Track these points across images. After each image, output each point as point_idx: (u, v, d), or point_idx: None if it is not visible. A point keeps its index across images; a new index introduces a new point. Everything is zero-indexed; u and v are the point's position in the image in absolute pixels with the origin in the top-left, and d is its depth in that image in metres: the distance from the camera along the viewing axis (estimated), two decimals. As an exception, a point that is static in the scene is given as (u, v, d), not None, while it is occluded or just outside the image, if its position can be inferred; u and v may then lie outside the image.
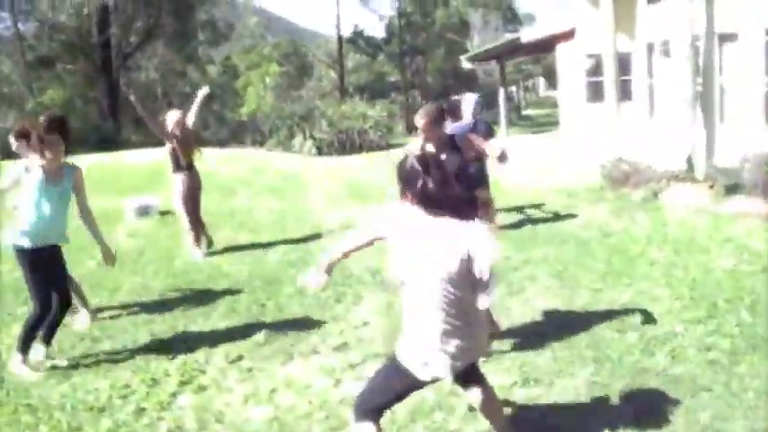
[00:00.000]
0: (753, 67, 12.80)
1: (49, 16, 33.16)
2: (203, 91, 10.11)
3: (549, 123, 28.72)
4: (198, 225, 9.58)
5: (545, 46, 21.60)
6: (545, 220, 10.59)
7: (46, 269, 5.54)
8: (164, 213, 12.38)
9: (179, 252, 9.56)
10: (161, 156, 9.86)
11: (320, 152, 25.28)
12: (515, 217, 10.93)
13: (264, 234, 10.63)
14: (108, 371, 5.55)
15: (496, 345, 5.40)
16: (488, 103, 32.09)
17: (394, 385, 3.48)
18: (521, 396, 4.66)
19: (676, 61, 13.71)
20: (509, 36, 25.97)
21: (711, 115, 13.05)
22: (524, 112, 43.40)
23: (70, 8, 31.64)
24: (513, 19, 65.62)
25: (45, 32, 36.32)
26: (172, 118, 9.42)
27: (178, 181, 9.42)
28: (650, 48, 15.90)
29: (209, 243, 9.73)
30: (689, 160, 12.67)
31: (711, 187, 11.38)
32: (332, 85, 46.39)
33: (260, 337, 6.05)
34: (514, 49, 22.75)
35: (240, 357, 5.67)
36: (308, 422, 4.54)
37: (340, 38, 44.90)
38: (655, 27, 15.27)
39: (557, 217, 10.80)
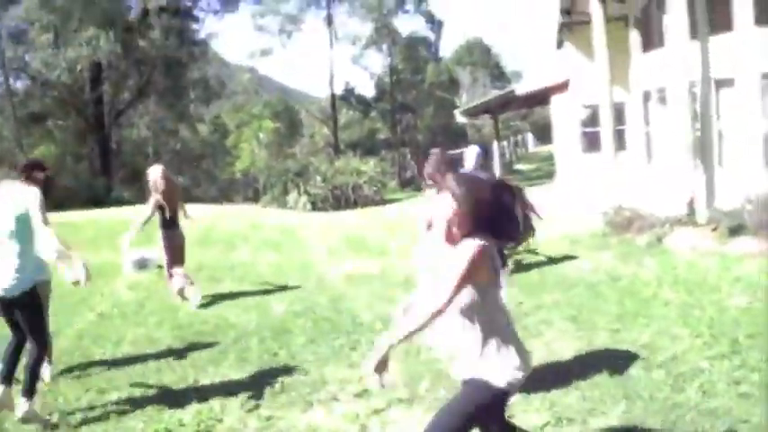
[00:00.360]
0: (750, 110, 12.90)
1: (42, 73, 33.20)
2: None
3: (540, 176, 28.86)
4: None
5: (539, 98, 21.81)
6: (551, 266, 10.50)
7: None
8: (161, 267, 12.20)
9: (182, 304, 9.38)
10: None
11: (315, 207, 25.28)
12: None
13: (267, 286, 10.48)
14: (118, 422, 5.35)
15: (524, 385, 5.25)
16: (481, 156, 32.28)
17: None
18: (555, 435, 4.52)
19: (673, 107, 13.82)
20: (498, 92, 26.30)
21: (710, 159, 13.09)
22: (515, 167, 43.63)
23: (63, 64, 31.70)
24: (500, 76, 66.72)
25: (37, 89, 36.45)
26: (155, 172, 9.39)
27: (162, 236, 9.53)
28: (646, 95, 16.06)
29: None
30: (690, 204, 12.66)
31: (715, 230, 11.36)
32: (324, 142, 46.68)
33: (276, 385, 5.88)
34: (508, 102, 22.96)
35: (257, 406, 5.49)
36: (338, 466, 4.37)
37: (333, 94, 45.23)
38: (650, 75, 15.44)
39: (563, 262, 10.72)
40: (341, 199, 26.28)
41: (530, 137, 62.46)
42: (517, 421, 4.74)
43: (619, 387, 5.25)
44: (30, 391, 5.24)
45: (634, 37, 16.44)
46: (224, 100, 49.50)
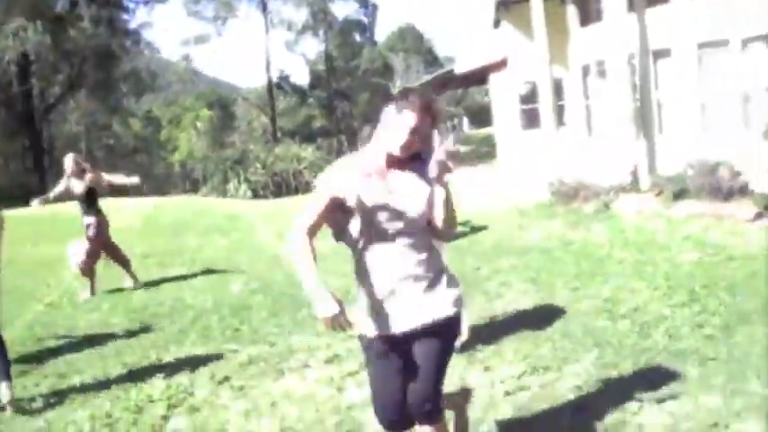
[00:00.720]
0: (687, 80, 13.19)
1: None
2: (134, 180, 10.05)
3: (479, 157, 29.06)
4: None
5: (478, 78, 21.94)
6: (503, 235, 10.60)
7: None
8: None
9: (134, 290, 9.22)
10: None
11: (256, 195, 25.06)
12: (473, 234, 10.92)
13: (219, 268, 10.35)
14: (84, 402, 5.20)
15: (494, 341, 5.33)
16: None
17: None
18: (535, 383, 4.56)
19: (613, 80, 14.05)
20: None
21: (650, 129, 13.37)
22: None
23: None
24: (433, 62, 66.99)
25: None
26: (68, 160, 9.21)
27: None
28: (585, 70, 16.26)
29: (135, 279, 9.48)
30: (633, 173, 12.92)
31: (659, 194, 11.61)
32: (262, 130, 46.19)
33: (243, 356, 5.81)
34: (446, 81, 23.05)
35: (227, 378, 5.40)
36: (321, 427, 4.33)
37: (270, 81, 44.80)
38: (589, 49, 15.64)
39: (514, 231, 10.84)
40: (282, 185, 26.13)
41: (465, 120, 62.99)
42: (494, 374, 4.79)
43: (588, 336, 5.34)
44: None
45: (572, 12, 16.62)
46: (156, 93, 48.66)
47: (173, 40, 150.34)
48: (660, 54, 13.56)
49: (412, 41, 69.69)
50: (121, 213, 14.93)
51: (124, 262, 9.55)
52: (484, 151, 29.07)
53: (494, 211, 13.17)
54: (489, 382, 4.64)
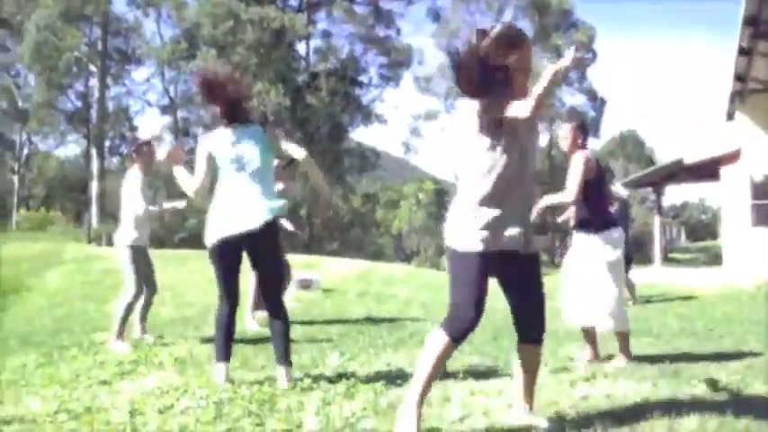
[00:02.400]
0: None
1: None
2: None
3: (702, 263, 27.62)
4: None
5: (708, 170, 20.92)
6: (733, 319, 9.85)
7: None
8: (326, 290, 12.38)
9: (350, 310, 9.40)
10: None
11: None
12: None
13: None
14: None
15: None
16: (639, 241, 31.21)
17: None
18: None
19: None
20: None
21: None
22: (669, 255, 42.14)
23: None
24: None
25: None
26: None
27: None
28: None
29: None
30: None
31: None
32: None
33: (457, 365, 5.70)
34: (674, 173, 22.15)
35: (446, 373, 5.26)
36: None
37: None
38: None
39: (743, 315, 10.05)
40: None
41: (682, 234, 60.58)
42: None
43: None
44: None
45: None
46: (374, 175, 50.51)
47: (402, 117, 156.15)
48: None
49: (633, 148, 68.45)
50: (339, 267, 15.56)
51: None
52: (702, 260, 27.79)
53: (720, 293, 12.33)
54: None
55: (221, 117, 4.97)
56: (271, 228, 4.79)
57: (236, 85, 5.00)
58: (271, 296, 4.95)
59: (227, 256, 4.85)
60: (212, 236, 4.82)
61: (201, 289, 12.13)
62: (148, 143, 7.27)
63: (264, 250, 4.87)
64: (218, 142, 4.93)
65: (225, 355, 4.92)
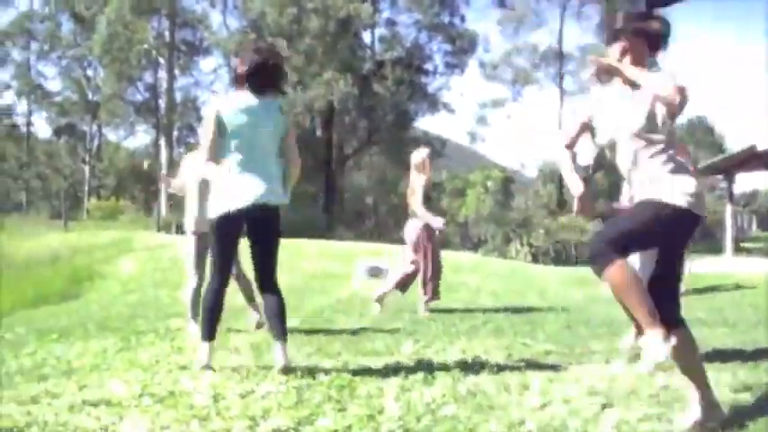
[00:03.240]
0: None
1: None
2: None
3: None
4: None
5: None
6: None
7: None
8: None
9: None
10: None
11: (535, 260, 24.83)
12: None
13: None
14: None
15: None
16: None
17: None
18: None
19: None
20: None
21: None
22: (741, 245, 41.04)
23: (302, 107, 33.42)
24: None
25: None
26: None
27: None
28: None
29: None
30: None
31: None
32: (548, 199, 45.85)
33: (539, 348, 5.64)
34: (746, 160, 21.51)
35: (522, 359, 5.22)
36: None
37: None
38: None
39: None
40: (562, 254, 25.70)
41: (753, 222, 58.99)
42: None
43: None
44: None
45: None
46: (441, 164, 50.28)
47: (468, 104, 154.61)
48: None
49: (702, 135, 66.80)
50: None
51: None
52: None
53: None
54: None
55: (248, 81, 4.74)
56: (279, 208, 4.80)
57: (276, 53, 4.96)
58: (269, 275, 4.88)
59: (232, 229, 4.75)
60: (220, 208, 4.67)
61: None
62: None
63: (272, 226, 4.81)
64: (234, 108, 4.72)
65: (210, 333, 4.80)
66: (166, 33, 41.12)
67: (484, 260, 18.34)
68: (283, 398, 4.06)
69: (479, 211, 33.76)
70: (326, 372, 4.72)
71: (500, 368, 4.85)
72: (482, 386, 4.33)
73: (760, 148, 20.19)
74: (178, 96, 43.58)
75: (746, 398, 4.00)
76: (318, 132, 36.91)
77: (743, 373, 4.57)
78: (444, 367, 4.85)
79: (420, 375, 4.58)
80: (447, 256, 17.52)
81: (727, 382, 4.30)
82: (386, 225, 41.29)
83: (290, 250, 8.17)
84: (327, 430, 3.45)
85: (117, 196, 47.66)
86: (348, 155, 38.95)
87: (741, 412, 3.67)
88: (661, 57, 3.70)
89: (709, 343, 5.50)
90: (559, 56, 45.01)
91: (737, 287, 12.14)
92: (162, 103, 42.81)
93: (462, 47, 40.05)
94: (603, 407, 3.89)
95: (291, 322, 7.00)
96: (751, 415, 3.60)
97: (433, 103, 39.17)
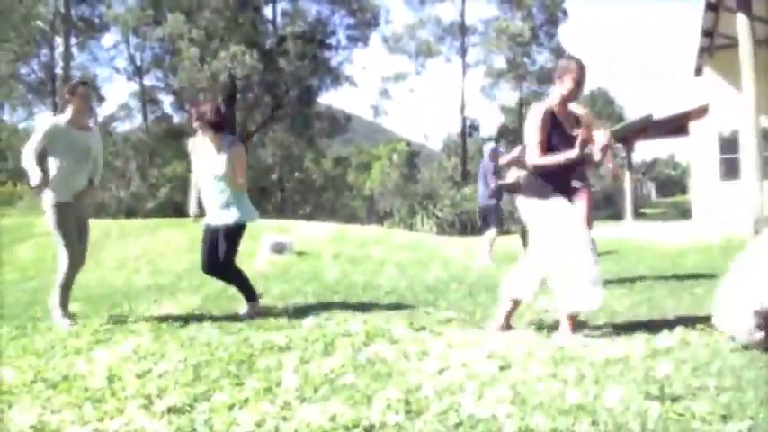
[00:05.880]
0: None
1: (185, 89, 34.37)
2: None
3: (669, 217, 27.89)
4: None
5: (676, 125, 21.10)
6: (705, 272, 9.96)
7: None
8: (300, 253, 12.36)
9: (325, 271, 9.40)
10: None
11: (441, 231, 25.07)
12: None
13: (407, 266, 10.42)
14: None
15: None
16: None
17: None
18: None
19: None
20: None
21: None
22: (640, 210, 42.54)
23: (205, 82, 32.66)
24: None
25: (180, 105, 38.07)
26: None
27: None
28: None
29: None
30: None
31: None
32: (452, 171, 46.36)
33: (441, 317, 5.74)
34: (644, 129, 22.27)
35: (424, 327, 5.29)
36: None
37: (464, 122, 45.13)
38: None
39: (716, 254, 10.20)
40: (467, 225, 25.99)
41: (652, 190, 61.06)
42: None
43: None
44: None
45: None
46: (346, 140, 50.24)
47: (371, 78, 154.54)
48: None
49: (603, 106, 68.59)
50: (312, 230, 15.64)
51: None
52: (672, 215, 28.16)
53: (691, 248, 12.46)
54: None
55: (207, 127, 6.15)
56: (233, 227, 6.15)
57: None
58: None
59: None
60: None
61: (174, 257, 12.07)
62: (85, 83, 6.59)
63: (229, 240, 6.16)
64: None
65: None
66: (62, 9, 39.47)
67: (389, 233, 18.42)
68: (181, 375, 4.02)
69: (385, 184, 33.87)
70: (226, 348, 4.69)
71: (401, 337, 4.91)
72: (382, 355, 4.38)
73: (657, 116, 20.92)
74: (76, 75, 42.04)
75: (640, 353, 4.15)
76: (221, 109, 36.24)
77: (639, 333, 4.76)
78: (345, 338, 4.88)
79: (320, 347, 4.60)
80: (353, 230, 17.67)
81: (622, 341, 4.47)
82: (292, 201, 41.09)
83: (194, 230, 8.05)
84: (224, 405, 3.44)
85: (14, 181, 45.89)
86: (252, 131, 38.35)
87: (634, 366, 3.82)
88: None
89: (609, 303, 5.71)
90: (462, 28, 45.36)
91: (636, 250, 12.56)
92: (60, 82, 41.18)
93: (365, 20, 39.87)
94: (501, 369, 3.98)
95: (194, 300, 7.01)
96: (645, 369, 3.75)
97: (337, 78, 38.90)
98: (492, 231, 11.07)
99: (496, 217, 11.24)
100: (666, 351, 4.22)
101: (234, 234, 6.15)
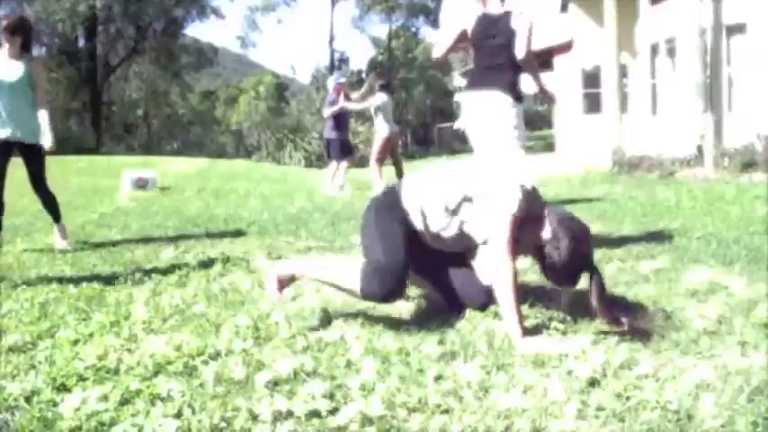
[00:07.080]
0: (761, 57, 12.80)
1: (41, 19, 32.36)
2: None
3: (535, 150, 28.77)
4: None
5: (542, 60, 21.56)
6: (564, 191, 10.33)
7: None
8: (163, 189, 12.06)
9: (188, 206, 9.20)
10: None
11: (309, 164, 25.02)
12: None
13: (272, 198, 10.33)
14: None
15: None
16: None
17: None
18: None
19: (683, 57, 13.73)
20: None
21: (719, 105, 13.02)
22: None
23: (62, 13, 30.86)
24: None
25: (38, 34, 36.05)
26: None
27: None
28: (654, 48, 15.94)
29: None
30: (699, 148, 12.58)
31: (725, 168, 11.28)
32: (321, 104, 45.95)
33: (301, 246, 5.72)
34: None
35: (281, 256, 5.26)
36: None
37: (332, 54, 44.78)
38: (659, 27, 15.32)
39: (575, 189, 10.58)
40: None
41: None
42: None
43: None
44: None
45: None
46: (214, 74, 48.95)
47: (239, 9, 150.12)
48: (734, 30, 13.20)
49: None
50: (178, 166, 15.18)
51: None
52: (538, 148, 29.09)
53: (553, 179, 12.89)
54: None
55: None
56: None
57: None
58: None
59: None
60: None
61: (17, 193, 11.52)
62: None
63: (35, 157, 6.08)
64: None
65: None
66: None
67: (256, 166, 18.27)
68: (26, 314, 3.84)
69: (252, 118, 33.35)
70: (77, 283, 4.52)
71: (258, 267, 4.86)
72: (237, 284, 4.32)
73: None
74: None
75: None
76: (81, 43, 34.50)
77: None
78: (201, 269, 4.80)
79: (174, 278, 4.50)
80: (219, 164, 17.40)
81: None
82: (159, 137, 39.91)
83: (57, 167, 7.69)
84: (67, 340, 3.30)
85: None
86: (114, 66, 36.73)
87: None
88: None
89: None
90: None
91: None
92: None
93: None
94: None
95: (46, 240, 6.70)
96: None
97: (203, 9, 37.65)
98: (333, 164, 11.72)
99: (337, 149, 11.74)
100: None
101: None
